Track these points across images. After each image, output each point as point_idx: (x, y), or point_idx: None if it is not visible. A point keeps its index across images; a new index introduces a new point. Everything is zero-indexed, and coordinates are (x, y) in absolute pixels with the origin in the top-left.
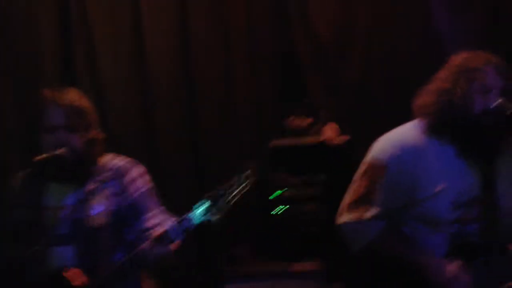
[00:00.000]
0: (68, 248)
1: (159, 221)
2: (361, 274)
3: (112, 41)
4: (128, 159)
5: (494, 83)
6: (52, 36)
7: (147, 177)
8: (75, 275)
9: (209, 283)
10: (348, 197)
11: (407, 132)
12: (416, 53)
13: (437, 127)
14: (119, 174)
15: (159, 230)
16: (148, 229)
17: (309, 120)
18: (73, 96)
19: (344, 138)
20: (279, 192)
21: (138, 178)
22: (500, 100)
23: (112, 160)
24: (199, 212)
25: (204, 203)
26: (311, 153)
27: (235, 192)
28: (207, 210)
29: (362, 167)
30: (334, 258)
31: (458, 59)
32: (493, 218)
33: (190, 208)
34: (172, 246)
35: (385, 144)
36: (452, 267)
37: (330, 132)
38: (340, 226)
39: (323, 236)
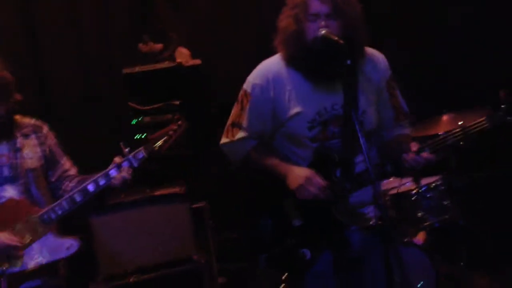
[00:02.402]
0: (12, 186)
1: (71, 164)
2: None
3: None
4: (34, 118)
5: (318, 10)
6: None
7: (53, 132)
8: (26, 204)
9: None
10: (227, 121)
11: (270, 64)
12: None
13: (289, 59)
14: (36, 129)
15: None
16: (66, 170)
17: (160, 45)
18: None
19: (196, 61)
20: (135, 120)
21: (49, 132)
22: (324, 30)
23: (24, 118)
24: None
25: (141, 152)
26: (164, 78)
27: (165, 140)
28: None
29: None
30: (196, 179)
31: None
32: (352, 135)
33: None
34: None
35: (252, 75)
36: (308, 172)
37: (182, 56)
38: (220, 146)
39: (183, 159)
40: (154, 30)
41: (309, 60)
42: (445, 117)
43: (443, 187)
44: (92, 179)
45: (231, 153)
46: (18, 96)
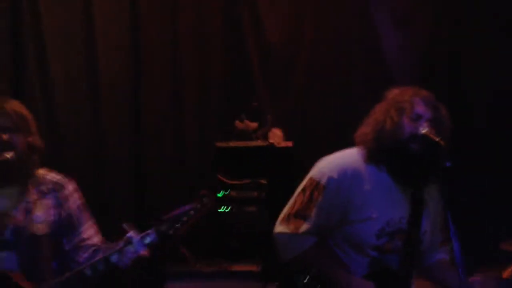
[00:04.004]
0: (11, 254)
1: (94, 232)
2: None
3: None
4: (61, 175)
5: (422, 112)
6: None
7: (79, 192)
8: (19, 278)
9: (151, 282)
10: (286, 210)
11: (348, 158)
12: (357, 62)
13: (373, 155)
14: (57, 187)
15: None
16: (84, 239)
17: (255, 124)
18: (16, 104)
19: (288, 143)
20: (222, 193)
21: (74, 192)
22: (427, 129)
23: (48, 174)
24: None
25: (148, 236)
26: (255, 156)
27: (183, 222)
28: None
29: (302, 183)
30: (271, 259)
31: (390, 93)
32: (412, 252)
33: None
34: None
35: (326, 166)
36: (367, 286)
37: (275, 137)
38: (274, 235)
39: (263, 238)
40: (251, 109)
41: (401, 158)
42: None
43: None
44: (100, 256)
45: (286, 246)
46: (39, 141)
